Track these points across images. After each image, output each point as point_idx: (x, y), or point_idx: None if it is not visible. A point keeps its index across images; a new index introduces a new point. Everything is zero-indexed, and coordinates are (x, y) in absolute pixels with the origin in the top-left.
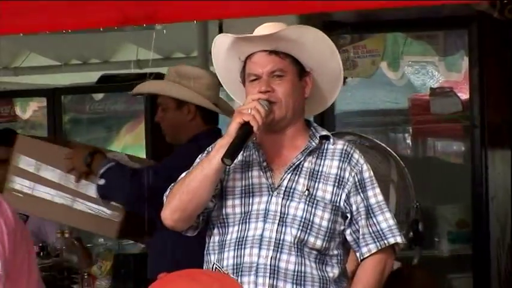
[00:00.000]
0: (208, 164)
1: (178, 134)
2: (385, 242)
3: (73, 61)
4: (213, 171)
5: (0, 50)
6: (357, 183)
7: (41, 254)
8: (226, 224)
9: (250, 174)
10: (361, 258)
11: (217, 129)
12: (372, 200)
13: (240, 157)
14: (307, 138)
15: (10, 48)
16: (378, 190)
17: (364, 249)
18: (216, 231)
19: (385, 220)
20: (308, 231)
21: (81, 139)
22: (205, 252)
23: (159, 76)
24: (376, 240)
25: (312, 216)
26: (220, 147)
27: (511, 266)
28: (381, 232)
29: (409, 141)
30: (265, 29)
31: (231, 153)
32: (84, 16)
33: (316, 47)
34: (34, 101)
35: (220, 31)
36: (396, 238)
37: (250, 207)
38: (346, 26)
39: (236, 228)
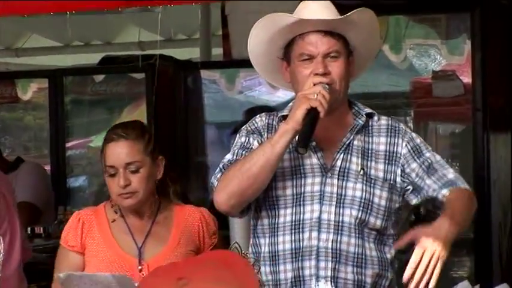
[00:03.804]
0: (271, 149)
1: None
2: (456, 186)
3: (75, 42)
4: (276, 156)
5: (2, 31)
6: (411, 151)
7: (43, 235)
8: (276, 206)
9: (299, 155)
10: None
11: None
12: (433, 159)
13: None
14: (352, 116)
15: (12, 29)
16: (433, 152)
17: (440, 196)
18: (264, 213)
19: (451, 173)
20: (369, 211)
21: (82, 121)
22: (251, 234)
23: (163, 58)
24: (447, 186)
25: (371, 196)
26: (284, 132)
27: None
28: (450, 182)
29: (410, 124)
30: (318, 9)
31: (304, 142)
32: None
33: (368, 29)
34: (35, 82)
35: (223, 13)
36: (466, 186)
37: (302, 188)
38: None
39: (289, 210)
